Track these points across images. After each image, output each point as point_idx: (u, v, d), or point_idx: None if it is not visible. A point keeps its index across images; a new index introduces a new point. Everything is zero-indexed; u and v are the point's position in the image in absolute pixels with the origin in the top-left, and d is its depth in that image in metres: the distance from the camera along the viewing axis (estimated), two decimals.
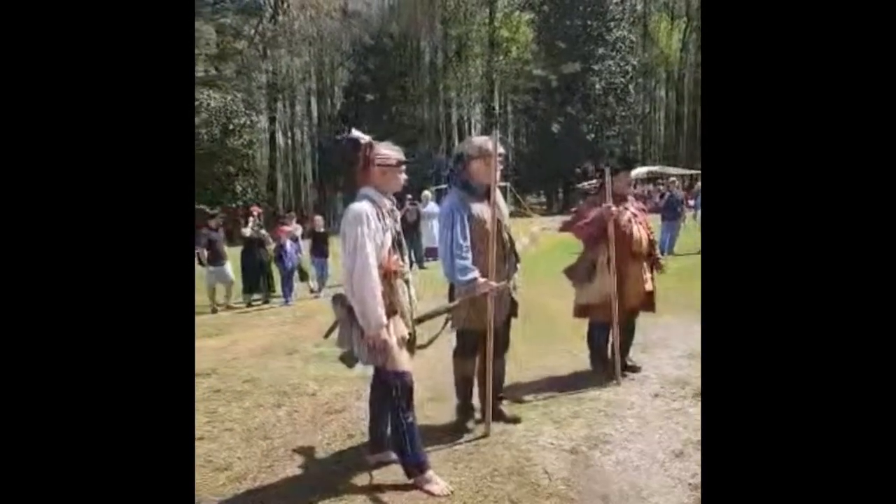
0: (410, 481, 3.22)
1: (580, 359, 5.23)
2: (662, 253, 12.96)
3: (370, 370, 3.37)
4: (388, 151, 3.18)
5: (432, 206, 14.25)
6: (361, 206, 3.04)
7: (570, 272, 5.02)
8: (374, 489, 3.27)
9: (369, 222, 3.00)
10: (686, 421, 3.96)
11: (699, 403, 4.23)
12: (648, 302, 4.97)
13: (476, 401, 4.06)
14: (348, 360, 3.16)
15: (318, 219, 12.18)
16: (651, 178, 31.83)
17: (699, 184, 17.05)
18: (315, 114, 44.19)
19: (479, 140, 3.83)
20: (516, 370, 4.94)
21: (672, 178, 18.00)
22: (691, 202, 18.05)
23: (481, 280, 3.58)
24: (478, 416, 4.03)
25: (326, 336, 3.39)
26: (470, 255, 3.62)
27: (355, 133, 3.20)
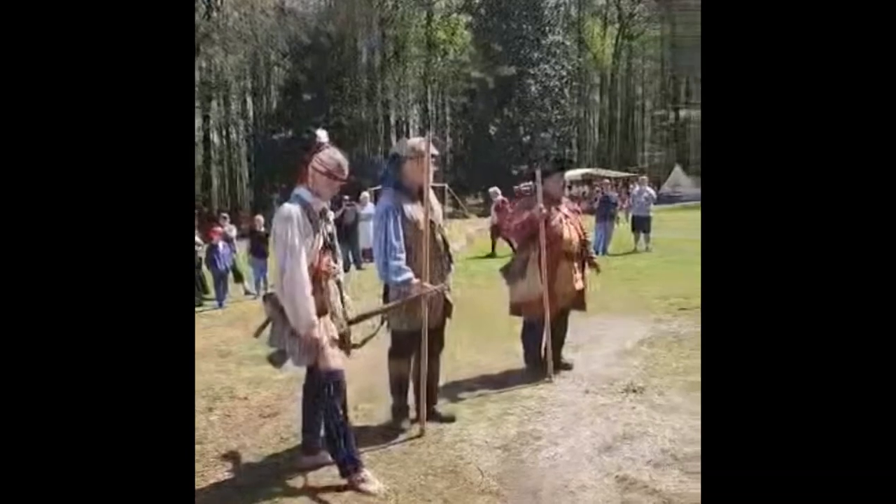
0: (345, 482, 3.22)
1: (515, 357, 5.31)
2: (597, 253, 13.31)
3: (303, 372, 3.36)
4: (328, 158, 3.17)
5: (371, 208, 14.20)
6: (291, 207, 3.05)
7: (505, 271, 5.12)
8: (308, 491, 3.25)
9: (299, 223, 3.00)
10: (616, 416, 4.07)
11: (628, 398, 4.36)
12: (579, 301, 5.11)
13: (411, 401, 4.08)
14: (276, 360, 3.16)
15: (259, 218, 12.01)
16: (587, 180, 32.49)
17: (633, 185, 17.50)
18: (251, 113, 43.36)
19: (412, 141, 3.87)
20: (453, 369, 5.00)
21: (606, 180, 18.43)
22: (623, 204, 18.49)
23: (415, 281, 3.61)
24: (413, 415, 4.05)
25: (257, 335, 3.38)
26: (404, 256, 3.64)
27: (319, 132, 3.22)
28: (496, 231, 14.04)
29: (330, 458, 3.32)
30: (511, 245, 9.92)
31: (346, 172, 3.22)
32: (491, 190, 15.71)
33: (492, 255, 14.08)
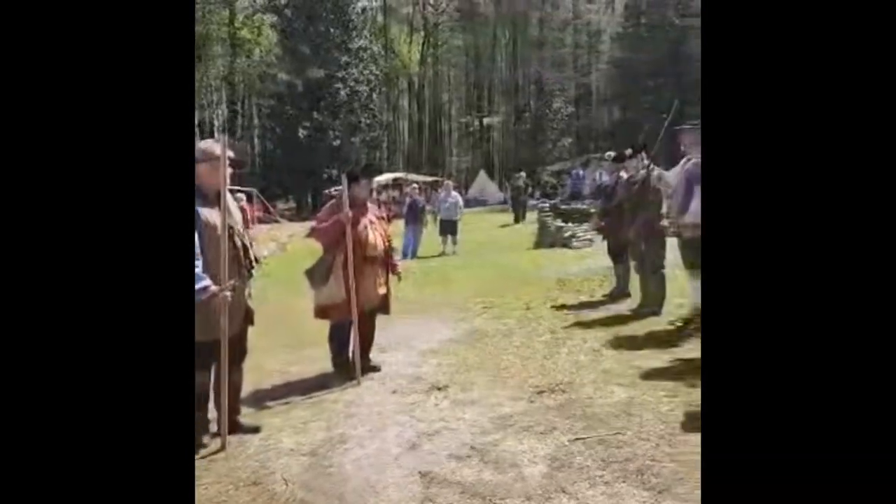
0: None
1: (324, 362, 5.27)
2: (406, 257, 13.62)
3: None
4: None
5: None
6: None
7: (309, 274, 5.07)
8: None
9: None
10: (421, 414, 4.18)
11: (433, 396, 4.51)
12: (384, 304, 5.21)
13: (212, 414, 3.91)
14: None
15: None
16: (397, 184, 32.97)
17: (440, 190, 18.01)
18: None
19: (204, 143, 3.71)
20: (261, 377, 4.87)
21: (414, 185, 18.84)
22: (429, 207, 19.00)
23: (213, 288, 3.47)
24: (214, 429, 3.88)
25: None
26: (201, 261, 3.49)
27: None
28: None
29: None
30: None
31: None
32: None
33: None
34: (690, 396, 4.14)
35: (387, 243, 5.24)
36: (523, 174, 24.59)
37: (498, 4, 46.94)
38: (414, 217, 14.91)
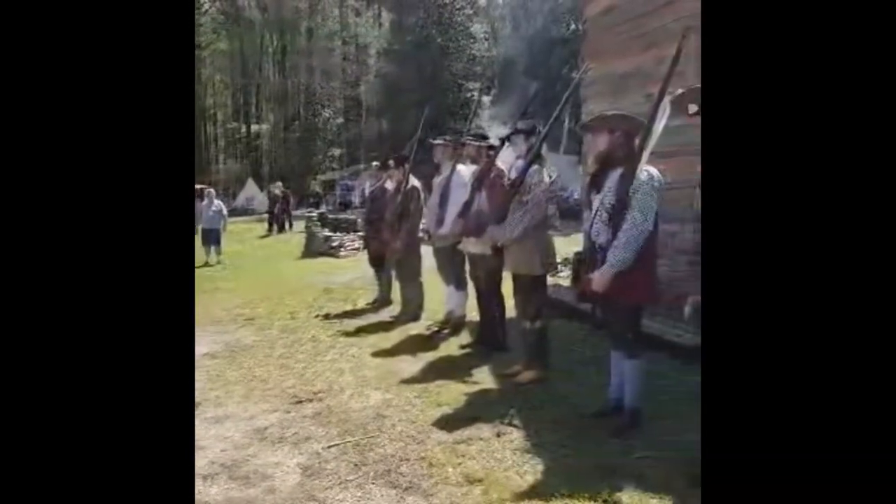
0: None
1: None
2: None
3: None
4: None
5: None
6: None
7: None
8: None
9: None
10: None
11: None
12: None
13: None
14: None
15: None
16: None
17: (202, 199, 17.15)
18: None
19: None
20: None
21: None
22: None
23: None
24: None
25: None
26: None
27: None
28: None
29: None
30: None
31: None
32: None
33: None
34: (440, 397, 4.39)
35: None
36: (280, 184, 24.23)
37: (265, 11, 45.93)
38: None
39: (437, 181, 6.16)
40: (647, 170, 3.53)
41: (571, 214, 12.25)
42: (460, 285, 6.31)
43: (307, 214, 20.66)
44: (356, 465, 3.37)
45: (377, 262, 7.91)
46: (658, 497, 2.94)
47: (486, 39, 40.84)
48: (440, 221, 5.90)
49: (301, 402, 4.41)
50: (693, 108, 2.78)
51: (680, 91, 3.00)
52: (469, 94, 35.78)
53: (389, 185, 7.40)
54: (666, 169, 5.81)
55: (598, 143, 3.74)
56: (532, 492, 3.02)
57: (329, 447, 3.61)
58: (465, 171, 5.84)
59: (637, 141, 3.56)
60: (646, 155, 3.53)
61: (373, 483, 3.16)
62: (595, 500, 2.92)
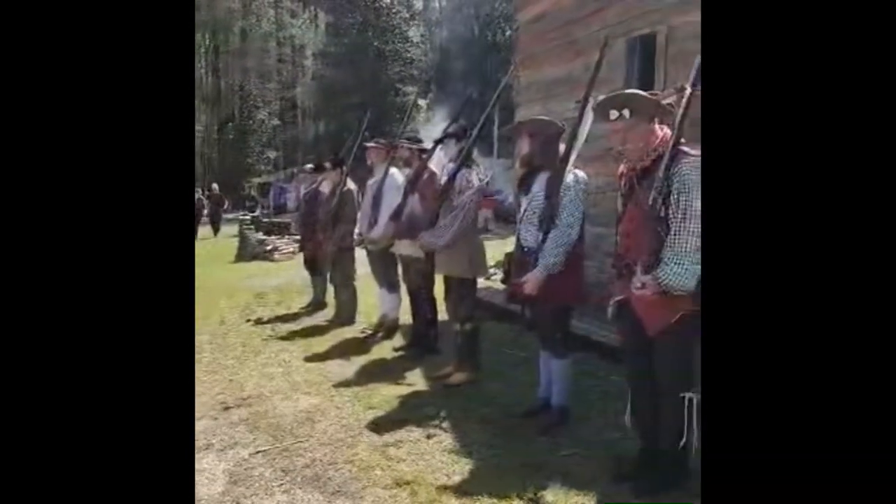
0: None
1: None
2: None
3: None
4: None
5: None
6: None
7: None
8: None
9: None
10: None
11: None
12: None
13: None
14: None
15: None
16: None
17: None
18: None
19: None
20: None
21: None
22: None
23: None
24: None
25: None
26: None
27: None
28: None
29: None
30: None
31: None
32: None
33: None
34: (372, 400, 4.38)
35: None
36: (216, 186, 23.71)
37: (197, 10, 44.85)
38: None
39: (370, 183, 6.15)
40: (574, 173, 3.61)
41: (507, 217, 12.39)
42: (393, 288, 6.31)
43: (240, 217, 20.26)
44: (284, 470, 3.33)
45: (312, 265, 7.82)
46: (583, 494, 3.01)
47: (423, 43, 40.92)
48: (373, 224, 5.88)
49: (229, 408, 4.32)
50: (614, 113, 2.86)
51: (601, 97, 3.08)
52: (406, 98, 35.80)
53: (325, 187, 7.33)
54: (594, 173, 5.96)
55: (522, 147, 3.81)
56: (460, 492, 3.05)
57: (256, 453, 3.56)
58: (399, 174, 5.85)
59: (562, 145, 3.64)
60: (572, 158, 3.62)
61: (300, 488, 3.13)
62: (521, 499, 2.97)
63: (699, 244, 2.67)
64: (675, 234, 2.71)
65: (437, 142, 5.06)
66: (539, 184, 3.69)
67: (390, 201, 5.64)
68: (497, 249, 9.45)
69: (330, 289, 7.44)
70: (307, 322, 7.11)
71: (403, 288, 5.98)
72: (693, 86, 2.68)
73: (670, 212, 2.73)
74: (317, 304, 7.80)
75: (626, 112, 2.83)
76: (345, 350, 5.79)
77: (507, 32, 32.18)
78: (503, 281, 4.06)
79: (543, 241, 3.57)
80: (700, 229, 2.67)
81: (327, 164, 7.38)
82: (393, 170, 5.92)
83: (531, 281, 3.55)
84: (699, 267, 2.67)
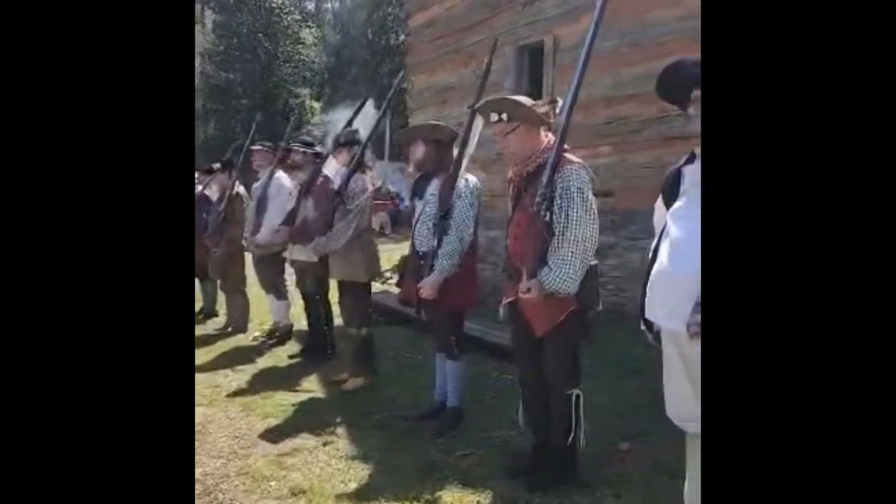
0: None
1: None
2: None
3: None
4: None
5: None
6: None
7: None
8: None
9: None
10: None
11: None
12: None
13: None
14: None
15: None
16: None
17: None
18: None
19: None
20: None
21: None
22: None
23: None
24: None
25: None
26: None
27: None
28: None
29: None
30: None
31: None
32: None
33: None
34: (266, 408, 4.29)
35: None
36: None
37: None
38: None
39: (255, 187, 6.02)
40: (466, 178, 3.68)
41: (403, 221, 12.42)
42: (280, 294, 6.21)
43: None
44: None
45: (200, 271, 7.54)
46: (478, 492, 3.07)
47: (316, 45, 40.35)
48: (257, 229, 5.75)
49: None
50: (494, 116, 2.95)
51: (481, 101, 3.18)
52: (300, 100, 35.20)
53: (212, 191, 7.10)
54: (488, 177, 6.10)
55: (415, 152, 3.86)
56: (356, 498, 3.04)
57: None
58: (285, 177, 5.76)
59: (457, 150, 3.70)
60: (465, 163, 3.68)
61: None
62: (418, 501, 2.99)
63: (582, 249, 2.79)
64: (558, 240, 2.81)
65: (335, 147, 5.01)
66: (433, 188, 3.74)
67: (277, 205, 5.56)
68: (394, 253, 9.46)
69: (221, 296, 7.22)
70: (197, 331, 6.85)
71: (295, 293, 5.89)
72: (573, 95, 2.78)
73: (554, 218, 2.83)
74: (208, 313, 7.55)
75: (504, 115, 2.92)
76: (237, 359, 5.64)
77: (402, 37, 32.32)
78: (398, 284, 4.08)
79: (438, 245, 3.61)
80: (583, 235, 2.79)
81: (216, 167, 7.15)
82: (279, 173, 5.83)
83: (427, 285, 3.58)
84: (582, 271, 2.80)
